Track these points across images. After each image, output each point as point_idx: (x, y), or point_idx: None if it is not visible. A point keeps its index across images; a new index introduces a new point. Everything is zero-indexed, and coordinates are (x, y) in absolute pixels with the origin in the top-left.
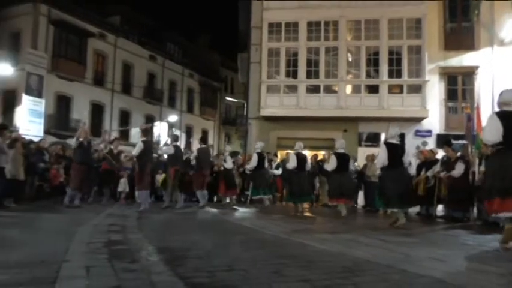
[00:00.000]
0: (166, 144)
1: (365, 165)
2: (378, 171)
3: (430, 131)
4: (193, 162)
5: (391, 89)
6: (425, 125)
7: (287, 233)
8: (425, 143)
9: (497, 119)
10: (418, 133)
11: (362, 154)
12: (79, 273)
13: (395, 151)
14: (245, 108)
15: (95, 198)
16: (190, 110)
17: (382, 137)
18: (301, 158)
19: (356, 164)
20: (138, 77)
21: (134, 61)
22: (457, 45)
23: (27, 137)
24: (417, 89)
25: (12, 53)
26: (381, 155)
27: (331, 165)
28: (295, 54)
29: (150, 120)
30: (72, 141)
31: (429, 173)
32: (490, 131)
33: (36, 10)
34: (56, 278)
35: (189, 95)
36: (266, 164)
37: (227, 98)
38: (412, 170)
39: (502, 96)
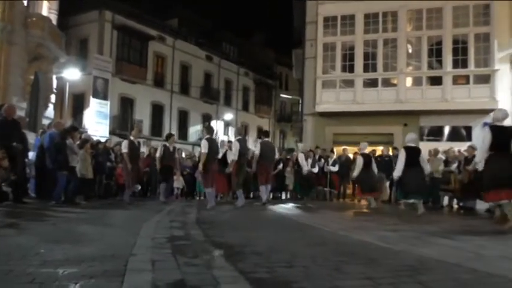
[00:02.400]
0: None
1: (427, 161)
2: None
3: None
4: (257, 154)
5: (456, 80)
6: None
7: (346, 230)
8: None
9: (489, 131)
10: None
11: (424, 149)
12: (145, 266)
13: (413, 154)
14: (300, 105)
15: (157, 195)
16: (245, 108)
17: (446, 130)
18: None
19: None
20: (195, 77)
21: (192, 62)
22: None
23: (95, 138)
24: (485, 79)
25: (81, 59)
26: (400, 159)
27: (357, 166)
28: (352, 48)
29: (207, 119)
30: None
31: None
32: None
33: (101, 17)
34: (125, 271)
35: (245, 94)
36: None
37: (282, 95)
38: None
39: (494, 114)
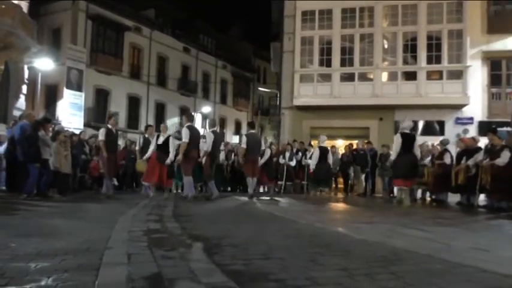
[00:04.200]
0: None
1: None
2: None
3: (471, 118)
4: (243, 147)
5: (430, 76)
6: (466, 112)
7: (322, 223)
8: (466, 131)
9: (400, 137)
10: (459, 121)
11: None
12: (121, 260)
13: (324, 151)
14: (278, 98)
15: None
16: (223, 101)
17: (420, 125)
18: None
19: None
20: (172, 69)
21: (169, 54)
22: (501, 28)
23: (69, 130)
24: (458, 75)
25: (54, 49)
26: (314, 156)
27: (265, 155)
28: (329, 43)
29: (184, 111)
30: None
31: (470, 162)
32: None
33: (75, 6)
34: (100, 264)
35: (223, 86)
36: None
37: (260, 89)
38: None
39: (401, 125)
